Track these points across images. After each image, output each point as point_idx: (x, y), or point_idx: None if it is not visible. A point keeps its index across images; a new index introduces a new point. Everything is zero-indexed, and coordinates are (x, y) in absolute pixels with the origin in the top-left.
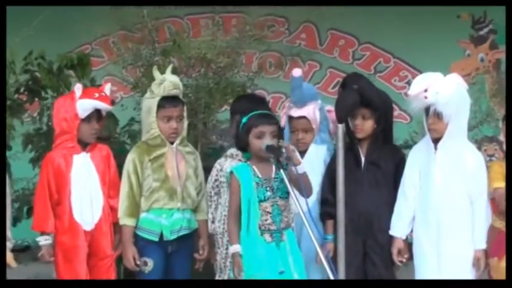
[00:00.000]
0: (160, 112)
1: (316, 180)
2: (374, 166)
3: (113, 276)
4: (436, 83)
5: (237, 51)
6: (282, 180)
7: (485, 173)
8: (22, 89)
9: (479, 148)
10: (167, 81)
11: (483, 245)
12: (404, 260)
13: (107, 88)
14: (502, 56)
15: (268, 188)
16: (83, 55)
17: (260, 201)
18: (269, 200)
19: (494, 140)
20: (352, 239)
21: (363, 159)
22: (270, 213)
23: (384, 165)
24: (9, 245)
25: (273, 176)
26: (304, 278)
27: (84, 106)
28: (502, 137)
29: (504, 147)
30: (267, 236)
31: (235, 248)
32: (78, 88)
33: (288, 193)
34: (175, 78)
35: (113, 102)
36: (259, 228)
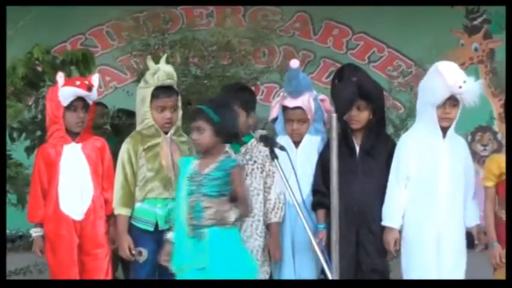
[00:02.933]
0: (154, 102)
1: (310, 171)
2: (368, 155)
3: (109, 267)
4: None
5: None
6: (214, 179)
7: (470, 155)
8: (23, 82)
9: (473, 138)
10: (161, 71)
11: (477, 221)
12: (398, 249)
13: (95, 78)
14: (496, 45)
15: (195, 183)
16: (87, 51)
17: (188, 194)
18: (194, 194)
19: (488, 130)
20: (345, 229)
21: (357, 148)
22: (193, 208)
23: (378, 155)
24: None
25: (205, 171)
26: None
27: (65, 93)
28: (496, 127)
29: (498, 136)
30: (190, 230)
31: (168, 235)
32: (60, 76)
33: (218, 192)
34: (169, 68)
35: (89, 89)
36: (186, 221)
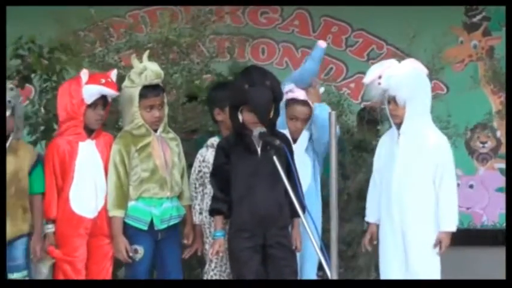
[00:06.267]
0: (142, 101)
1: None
2: (269, 156)
3: (110, 255)
4: (389, 69)
5: (199, 31)
6: None
7: (450, 155)
8: (14, 75)
9: (472, 135)
10: (149, 71)
11: (450, 228)
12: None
13: (113, 74)
14: (495, 43)
15: None
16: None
17: None
18: None
19: (487, 127)
20: (251, 233)
21: (258, 150)
22: None
23: (279, 155)
24: None
25: None
26: None
27: (90, 92)
28: (495, 124)
29: (497, 134)
30: None
31: None
32: (84, 73)
33: None
34: (156, 67)
35: (119, 89)
36: None
